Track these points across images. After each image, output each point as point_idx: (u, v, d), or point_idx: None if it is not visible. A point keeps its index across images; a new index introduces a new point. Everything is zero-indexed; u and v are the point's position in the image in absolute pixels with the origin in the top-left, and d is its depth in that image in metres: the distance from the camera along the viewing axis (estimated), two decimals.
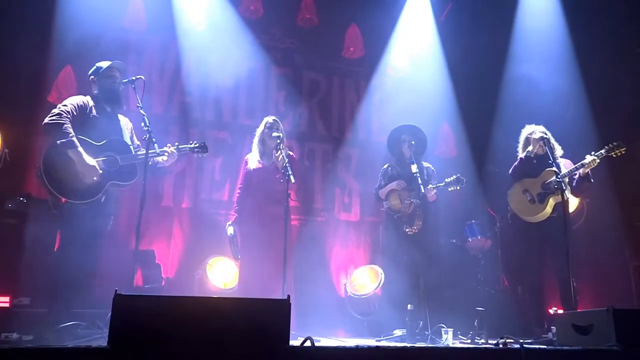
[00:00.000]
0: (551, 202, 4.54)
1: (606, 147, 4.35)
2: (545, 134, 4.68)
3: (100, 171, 3.60)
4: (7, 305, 4.01)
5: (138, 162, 3.77)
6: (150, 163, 3.76)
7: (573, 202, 5.34)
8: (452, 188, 4.60)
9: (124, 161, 3.74)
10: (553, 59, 6.29)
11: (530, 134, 4.75)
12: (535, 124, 4.83)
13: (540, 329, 4.42)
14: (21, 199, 4.38)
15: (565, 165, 4.62)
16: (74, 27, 5.41)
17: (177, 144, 4.04)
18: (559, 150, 4.75)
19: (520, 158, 4.76)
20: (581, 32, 6.23)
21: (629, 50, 6.00)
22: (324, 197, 6.59)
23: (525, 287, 5.00)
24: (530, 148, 4.67)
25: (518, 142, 4.89)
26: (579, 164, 4.43)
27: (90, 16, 5.51)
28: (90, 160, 3.57)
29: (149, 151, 3.69)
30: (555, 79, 6.18)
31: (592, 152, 4.39)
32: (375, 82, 7.06)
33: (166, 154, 3.90)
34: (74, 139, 3.54)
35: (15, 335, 3.34)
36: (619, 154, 4.34)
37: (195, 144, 4.12)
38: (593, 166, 4.37)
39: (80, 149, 3.54)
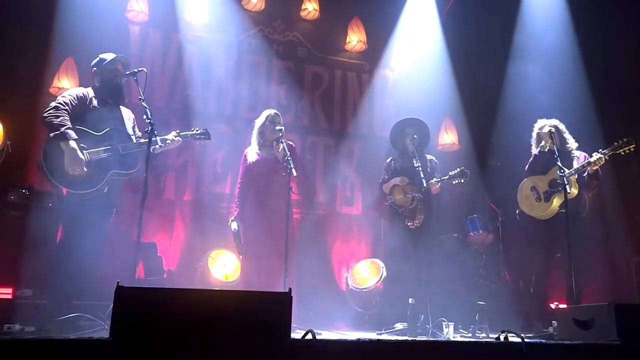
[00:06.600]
0: (557, 200, 4.48)
1: (615, 144, 4.24)
2: (556, 127, 4.60)
3: (85, 169, 3.55)
4: (9, 296, 4.03)
5: (139, 151, 3.77)
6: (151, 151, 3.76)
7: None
8: (457, 181, 4.59)
9: (125, 150, 3.74)
10: (557, 53, 6.26)
11: (541, 128, 4.68)
12: (547, 118, 4.74)
13: (541, 323, 4.42)
14: (23, 190, 4.38)
15: (579, 159, 4.56)
16: (76, 18, 5.39)
17: (177, 131, 4.05)
18: (572, 143, 4.65)
19: (535, 154, 4.69)
20: (585, 27, 6.19)
21: (632, 45, 5.96)
22: (326, 190, 6.58)
23: (528, 282, 4.99)
24: (542, 143, 4.59)
25: (531, 137, 4.83)
26: (586, 161, 4.36)
27: (92, 7, 5.50)
28: (79, 155, 3.54)
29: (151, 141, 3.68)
30: (558, 73, 6.15)
31: (600, 150, 4.28)
32: (378, 75, 7.05)
33: (168, 141, 3.91)
34: (68, 130, 3.54)
35: (17, 327, 3.35)
36: (628, 151, 4.20)
37: (197, 130, 4.13)
38: (601, 164, 4.28)
39: (73, 142, 3.53)
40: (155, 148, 3.77)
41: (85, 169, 3.55)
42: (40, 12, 5.44)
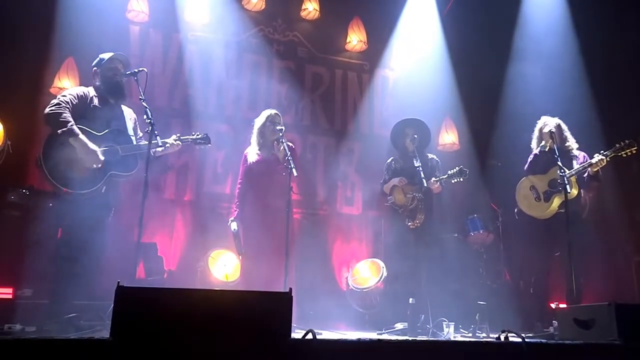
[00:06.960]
0: (557, 200, 4.47)
1: (616, 145, 4.22)
2: (557, 126, 4.59)
3: (102, 157, 3.59)
4: (10, 296, 4.03)
5: (139, 152, 3.77)
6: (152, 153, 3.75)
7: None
8: (456, 180, 4.59)
9: (125, 151, 3.74)
10: (557, 53, 6.26)
11: (543, 126, 4.67)
12: (551, 116, 4.74)
13: (541, 323, 4.41)
14: (24, 191, 4.38)
15: (579, 159, 4.56)
16: (77, 18, 5.40)
17: (178, 135, 4.05)
18: (573, 143, 4.65)
19: (535, 154, 4.69)
20: (585, 27, 6.19)
21: (632, 45, 5.96)
22: (326, 190, 6.58)
23: (529, 282, 4.99)
24: (543, 142, 4.60)
25: (531, 137, 4.84)
26: (587, 162, 4.35)
27: (93, 7, 5.50)
28: (92, 146, 3.57)
29: (152, 142, 3.68)
30: (558, 72, 6.15)
31: (601, 151, 4.27)
32: (378, 75, 7.05)
33: (167, 144, 3.91)
34: (74, 127, 3.54)
35: (18, 327, 3.35)
36: (630, 153, 4.18)
37: (197, 135, 4.13)
38: (601, 165, 4.26)
39: (82, 136, 3.55)
40: (155, 151, 3.77)
41: (102, 158, 3.57)
42: (40, 12, 5.43)
